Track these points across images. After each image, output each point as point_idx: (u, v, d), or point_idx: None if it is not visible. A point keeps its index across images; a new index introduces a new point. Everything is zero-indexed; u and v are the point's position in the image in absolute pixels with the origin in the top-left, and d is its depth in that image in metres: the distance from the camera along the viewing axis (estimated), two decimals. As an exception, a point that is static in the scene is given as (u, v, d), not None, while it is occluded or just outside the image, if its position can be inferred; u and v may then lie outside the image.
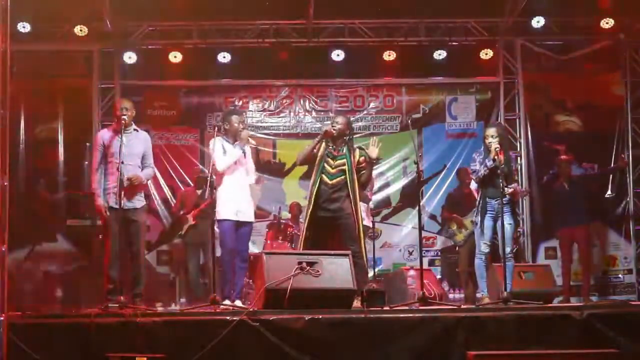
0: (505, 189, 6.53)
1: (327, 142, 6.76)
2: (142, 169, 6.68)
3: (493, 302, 6.52)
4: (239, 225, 6.76)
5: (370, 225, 8.85)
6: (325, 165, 6.70)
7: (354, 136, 7.06)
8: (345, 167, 6.68)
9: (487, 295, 6.88)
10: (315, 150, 6.75)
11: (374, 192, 10.67)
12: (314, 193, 6.65)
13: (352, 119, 10.60)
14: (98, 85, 10.33)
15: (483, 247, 6.84)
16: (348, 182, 6.64)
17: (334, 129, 6.73)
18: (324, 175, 6.68)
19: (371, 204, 10.44)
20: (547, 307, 6.26)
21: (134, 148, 6.59)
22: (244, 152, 6.79)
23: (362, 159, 6.81)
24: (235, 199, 6.72)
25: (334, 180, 6.67)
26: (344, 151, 6.75)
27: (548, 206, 9.95)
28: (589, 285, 9.47)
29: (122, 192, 6.31)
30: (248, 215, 6.84)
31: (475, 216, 6.99)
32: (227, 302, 6.35)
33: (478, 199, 6.96)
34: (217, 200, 6.69)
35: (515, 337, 5.45)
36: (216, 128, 7.09)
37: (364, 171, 6.82)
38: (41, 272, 9.71)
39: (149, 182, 9.17)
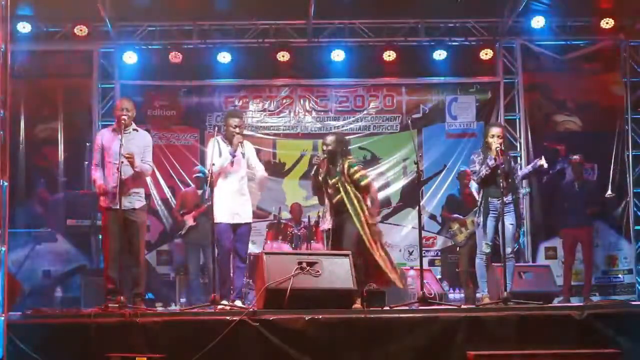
0: (504, 187, 6.53)
1: (327, 164, 6.77)
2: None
3: (493, 302, 6.52)
4: (236, 226, 6.76)
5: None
6: (327, 187, 6.78)
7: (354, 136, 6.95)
8: (339, 185, 6.68)
9: (487, 295, 6.88)
10: (319, 177, 6.79)
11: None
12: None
13: (352, 119, 10.68)
14: (98, 85, 10.34)
15: (484, 247, 6.84)
16: (345, 199, 6.63)
17: (324, 152, 6.75)
18: (326, 199, 6.83)
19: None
20: (547, 307, 6.27)
21: (133, 148, 6.57)
22: (243, 154, 6.75)
23: (356, 168, 6.76)
24: (232, 201, 6.71)
25: (334, 200, 6.73)
26: (337, 169, 6.74)
27: (551, 205, 9.93)
28: (590, 285, 9.47)
29: (121, 192, 6.29)
30: (245, 217, 6.82)
31: (477, 217, 6.99)
32: (224, 302, 6.34)
33: (480, 199, 6.96)
34: (213, 202, 6.69)
35: (515, 337, 5.46)
36: (216, 128, 7.09)
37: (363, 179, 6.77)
38: (41, 272, 9.72)
39: (149, 181, 9.19)
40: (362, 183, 6.70)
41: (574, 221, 9.21)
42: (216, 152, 6.66)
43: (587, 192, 9.32)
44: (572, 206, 9.21)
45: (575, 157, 9.52)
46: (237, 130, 6.74)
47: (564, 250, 9.45)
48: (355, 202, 6.62)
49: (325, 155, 6.76)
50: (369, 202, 6.80)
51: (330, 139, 6.85)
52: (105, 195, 6.54)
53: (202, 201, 9.08)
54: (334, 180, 6.71)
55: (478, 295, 8.62)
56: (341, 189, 6.64)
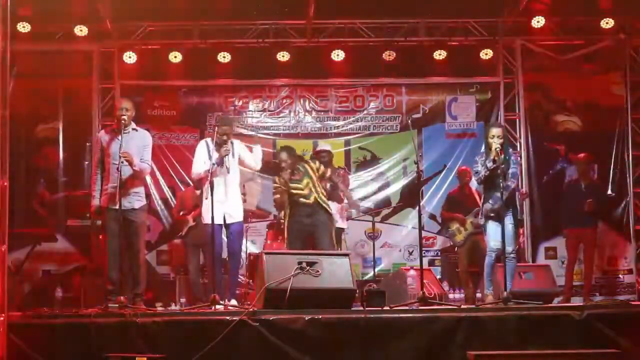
0: (503, 187, 6.54)
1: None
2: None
3: (493, 302, 6.52)
4: (228, 225, 6.79)
5: (345, 226, 8.85)
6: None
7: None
8: (311, 184, 7.50)
9: (491, 293, 6.82)
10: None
11: (374, 193, 10.69)
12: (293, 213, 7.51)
13: (352, 119, 10.68)
14: (98, 85, 10.33)
15: (492, 244, 6.79)
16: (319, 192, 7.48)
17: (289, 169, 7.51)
18: (302, 199, 7.48)
19: (371, 204, 10.47)
20: (547, 307, 6.27)
21: (132, 148, 6.58)
22: (228, 169, 6.81)
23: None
24: (222, 203, 6.71)
25: (311, 199, 7.48)
26: (302, 171, 7.52)
27: (553, 205, 9.92)
28: (590, 286, 9.45)
29: (120, 192, 6.30)
30: (236, 217, 6.85)
31: (480, 218, 6.99)
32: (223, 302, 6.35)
33: (482, 200, 6.96)
34: (202, 205, 6.72)
35: (515, 337, 5.47)
36: (216, 128, 7.11)
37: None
38: (41, 272, 9.72)
39: (149, 181, 9.19)
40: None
41: (578, 221, 9.16)
42: (205, 156, 6.73)
43: (593, 192, 9.29)
44: (576, 206, 9.17)
45: (580, 155, 9.51)
46: (225, 137, 6.78)
47: (567, 249, 9.40)
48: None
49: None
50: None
51: (285, 155, 7.62)
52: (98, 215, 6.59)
53: (202, 199, 9.07)
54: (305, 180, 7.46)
55: (478, 295, 8.62)
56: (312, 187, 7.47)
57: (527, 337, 5.47)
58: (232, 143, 6.87)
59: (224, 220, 6.75)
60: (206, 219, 6.64)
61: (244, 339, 5.32)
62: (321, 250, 7.01)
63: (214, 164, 6.64)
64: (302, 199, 7.44)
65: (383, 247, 10.52)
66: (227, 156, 6.76)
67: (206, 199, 6.63)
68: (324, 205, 7.50)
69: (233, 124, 7.28)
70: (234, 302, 6.60)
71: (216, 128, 6.91)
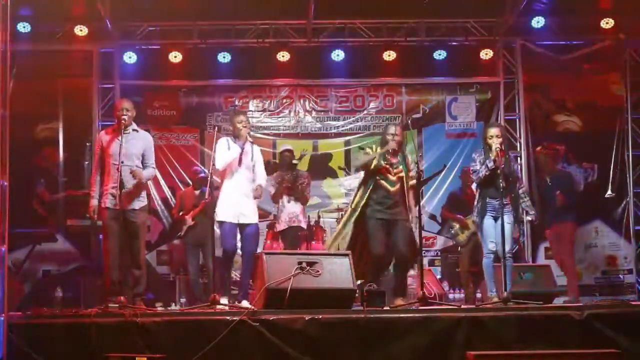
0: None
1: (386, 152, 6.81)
2: (142, 169, 6.66)
3: (493, 302, 6.52)
4: (243, 226, 6.77)
5: (306, 227, 8.88)
6: (386, 172, 6.80)
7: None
8: (402, 174, 6.82)
9: (495, 295, 6.81)
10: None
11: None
12: (372, 198, 6.75)
13: (352, 119, 10.69)
14: (98, 85, 10.33)
15: (490, 245, 6.79)
16: (405, 189, 6.80)
17: (395, 143, 6.79)
18: (384, 182, 6.79)
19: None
20: (547, 307, 6.26)
21: (133, 148, 6.58)
22: (252, 154, 6.83)
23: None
24: (238, 202, 6.73)
25: (394, 188, 6.78)
26: (399, 158, 6.90)
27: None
28: (576, 284, 9.13)
29: (121, 194, 6.30)
30: (251, 217, 6.84)
31: (475, 216, 6.99)
32: (224, 301, 6.34)
33: (477, 199, 6.94)
34: (218, 201, 6.71)
35: (515, 337, 5.47)
36: (216, 128, 7.13)
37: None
38: (41, 272, 9.72)
39: (149, 182, 9.18)
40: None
41: (553, 218, 8.94)
42: (225, 147, 6.74)
43: (559, 183, 9.07)
44: (547, 202, 9.01)
45: (538, 148, 9.48)
46: (243, 124, 6.85)
47: (552, 249, 9.25)
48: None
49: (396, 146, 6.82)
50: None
51: (397, 129, 6.89)
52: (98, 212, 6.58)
53: (201, 200, 9.06)
54: (397, 168, 6.83)
55: (478, 295, 8.62)
56: (404, 179, 6.81)
57: (527, 337, 5.47)
58: (252, 146, 6.90)
59: (238, 220, 6.75)
60: (220, 216, 6.71)
61: (244, 339, 5.32)
62: (397, 250, 6.70)
63: (241, 148, 6.71)
64: (385, 183, 6.77)
65: (383, 247, 10.48)
66: (248, 136, 6.80)
67: (208, 196, 6.65)
68: (405, 201, 6.76)
69: (245, 115, 7.28)
70: (245, 303, 6.57)
71: (234, 119, 6.94)
